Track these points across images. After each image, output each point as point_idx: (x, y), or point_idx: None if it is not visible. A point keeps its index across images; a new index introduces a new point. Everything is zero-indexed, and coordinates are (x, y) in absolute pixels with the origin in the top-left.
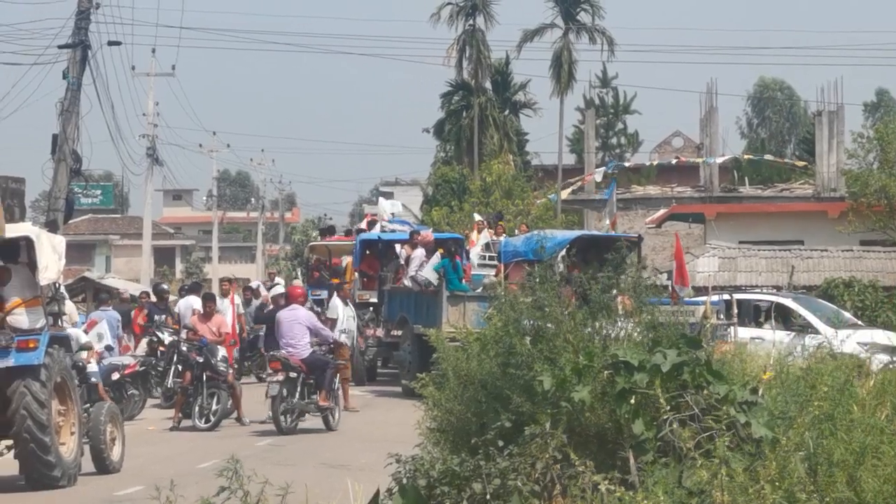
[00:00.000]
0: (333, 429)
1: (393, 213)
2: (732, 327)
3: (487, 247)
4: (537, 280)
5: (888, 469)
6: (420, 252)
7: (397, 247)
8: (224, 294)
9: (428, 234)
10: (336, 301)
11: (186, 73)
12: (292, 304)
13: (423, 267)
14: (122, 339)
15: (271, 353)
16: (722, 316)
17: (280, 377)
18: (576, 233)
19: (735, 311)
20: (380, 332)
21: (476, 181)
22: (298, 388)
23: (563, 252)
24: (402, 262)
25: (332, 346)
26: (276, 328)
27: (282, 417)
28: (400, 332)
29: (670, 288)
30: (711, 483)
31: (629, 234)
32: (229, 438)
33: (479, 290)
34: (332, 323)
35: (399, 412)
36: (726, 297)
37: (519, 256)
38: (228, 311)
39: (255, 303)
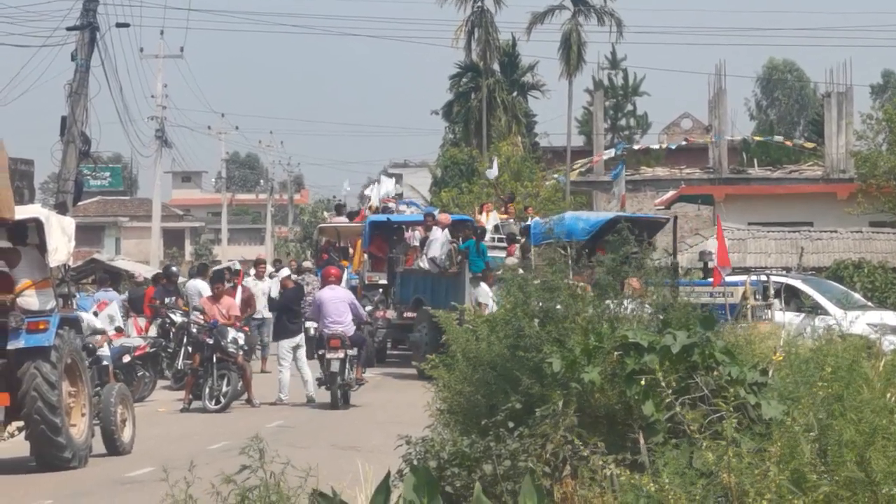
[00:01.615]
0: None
1: (393, 197)
2: (770, 308)
3: (497, 228)
4: (565, 261)
5: None
6: (440, 234)
7: (411, 229)
8: (259, 276)
9: (446, 216)
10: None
11: (195, 55)
12: (330, 284)
13: (443, 249)
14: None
15: (329, 331)
16: (759, 297)
17: (340, 354)
18: (611, 214)
19: (772, 292)
20: (390, 313)
21: (484, 163)
22: (348, 364)
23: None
24: (417, 243)
25: (366, 323)
26: (316, 307)
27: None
28: (414, 314)
29: (701, 268)
30: (718, 464)
31: (660, 216)
32: (239, 420)
33: (500, 272)
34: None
35: (409, 394)
36: (763, 278)
37: (549, 238)
38: (263, 288)
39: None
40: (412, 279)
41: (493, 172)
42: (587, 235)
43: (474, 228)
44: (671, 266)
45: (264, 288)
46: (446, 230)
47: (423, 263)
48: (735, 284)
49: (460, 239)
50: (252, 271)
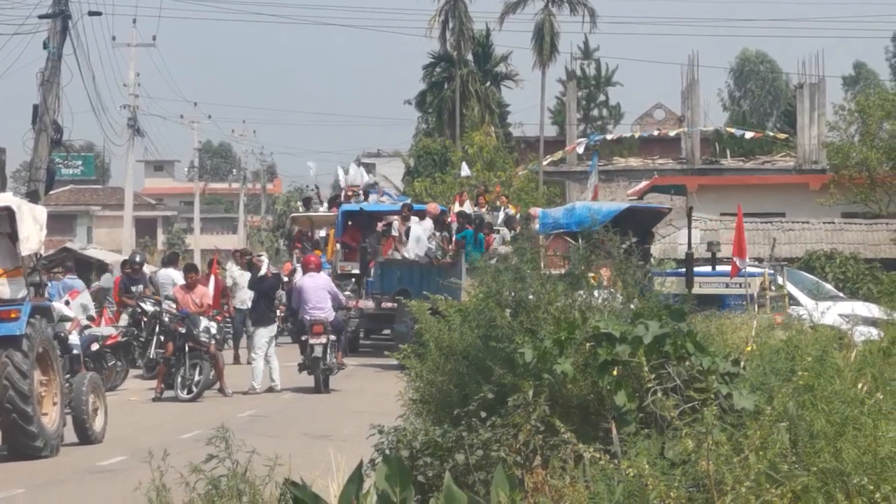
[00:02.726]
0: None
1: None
2: (785, 299)
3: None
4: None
5: (868, 440)
6: (429, 224)
7: (392, 219)
8: (244, 266)
9: (435, 205)
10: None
11: (168, 44)
12: (310, 272)
13: (432, 239)
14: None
15: (309, 317)
16: (774, 287)
17: (323, 339)
18: (624, 205)
19: (785, 282)
20: (363, 303)
21: (458, 153)
22: (330, 349)
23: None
24: (395, 233)
25: (344, 308)
26: (297, 294)
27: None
28: (393, 305)
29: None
30: (697, 452)
31: (661, 206)
32: (211, 409)
33: (495, 261)
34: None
35: (382, 383)
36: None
37: (559, 228)
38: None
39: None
40: (395, 269)
41: (465, 171)
42: (598, 226)
43: (469, 218)
44: (686, 256)
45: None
46: (432, 221)
47: (408, 253)
48: (753, 275)
49: (452, 229)
50: (229, 262)
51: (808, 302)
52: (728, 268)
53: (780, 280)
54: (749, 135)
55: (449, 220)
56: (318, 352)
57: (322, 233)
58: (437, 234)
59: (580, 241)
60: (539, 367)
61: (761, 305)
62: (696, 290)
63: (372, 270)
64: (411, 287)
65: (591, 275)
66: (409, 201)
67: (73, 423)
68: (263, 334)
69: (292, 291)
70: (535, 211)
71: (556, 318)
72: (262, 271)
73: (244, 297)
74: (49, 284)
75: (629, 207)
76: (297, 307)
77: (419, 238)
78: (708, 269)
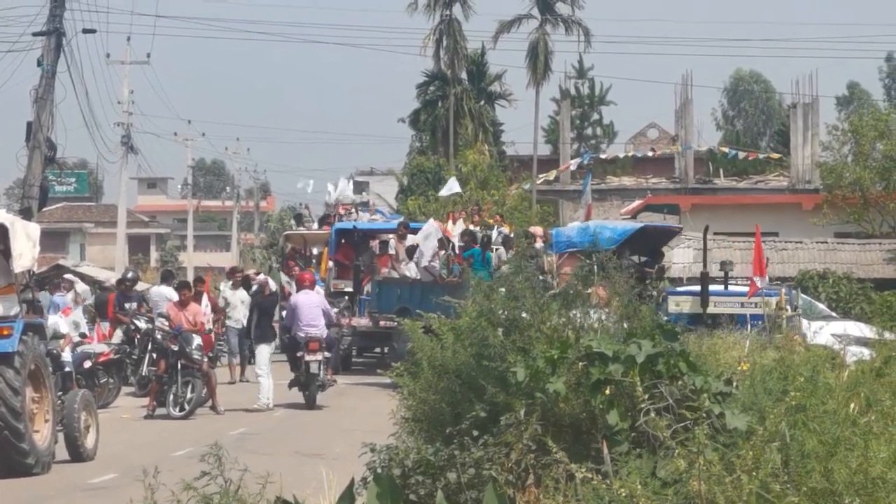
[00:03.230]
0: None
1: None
2: (799, 318)
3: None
4: (594, 272)
5: (859, 460)
6: (433, 243)
7: (388, 237)
8: (235, 285)
9: (440, 224)
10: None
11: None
12: (305, 289)
13: (436, 258)
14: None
15: (303, 334)
16: (788, 307)
17: (319, 357)
18: (638, 224)
19: (799, 303)
20: (356, 321)
21: (451, 171)
22: (323, 366)
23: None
24: (392, 252)
25: (336, 325)
26: (291, 312)
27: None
28: (391, 324)
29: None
30: (689, 472)
31: (673, 226)
32: (203, 427)
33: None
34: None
35: (374, 402)
36: (789, 288)
37: (573, 247)
38: (241, 297)
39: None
40: (395, 288)
41: (450, 189)
42: (614, 244)
43: (475, 236)
44: (702, 276)
45: (242, 296)
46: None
47: (408, 272)
48: (771, 295)
49: (453, 247)
50: (222, 282)
51: (802, 322)
52: (741, 288)
53: (796, 300)
54: (742, 154)
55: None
56: (314, 368)
57: (315, 250)
58: (442, 252)
59: (594, 259)
60: (531, 385)
61: (777, 325)
62: (711, 309)
63: (367, 288)
64: (411, 305)
65: (589, 291)
66: (403, 220)
67: (64, 440)
68: (266, 351)
69: (286, 308)
70: (537, 230)
71: (549, 336)
72: (270, 288)
73: (238, 316)
74: (51, 296)
75: (644, 227)
76: (290, 324)
77: (422, 256)
78: (719, 288)
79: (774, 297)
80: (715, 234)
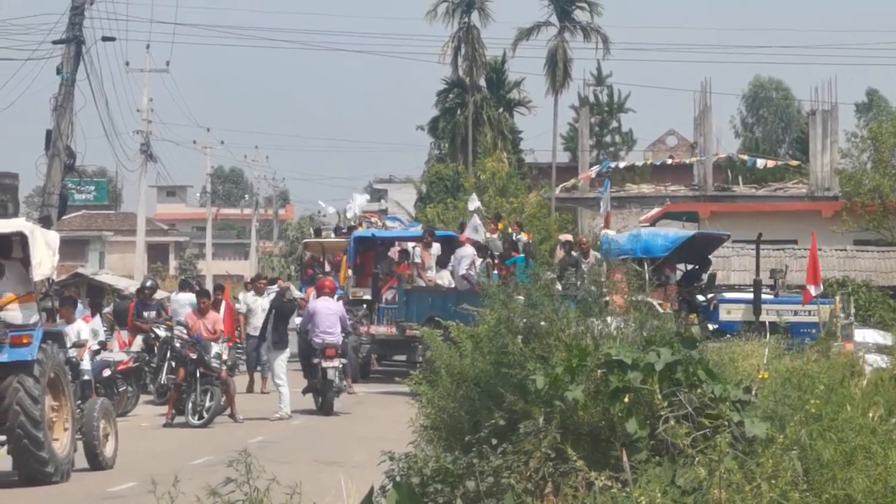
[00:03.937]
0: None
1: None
2: (852, 326)
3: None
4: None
5: (878, 469)
6: (470, 251)
7: (409, 245)
8: (258, 291)
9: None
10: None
11: (181, 70)
12: (324, 296)
13: (473, 266)
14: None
15: (320, 340)
16: (842, 314)
17: (336, 363)
18: (690, 232)
19: (852, 311)
20: (374, 328)
21: (470, 179)
22: (339, 373)
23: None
24: (418, 260)
25: (354, 334)
26: (308, 317)
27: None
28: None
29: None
30: (709, 480)
31: (722, 233)
32: (222, 435)
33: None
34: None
35: (392, 410)
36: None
37: (624, 254)
38: (263, 304)
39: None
40: (426, 296)
41: (474, 204)
42: (665, 252)
43: (516, 245)
44: (754, 283)
45: (264, 304)
46: (472, 248)
47: (440, 280)
48: (825, 303)
49: (492, 255)
50: (241, 292)
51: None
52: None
53: (850, 308)
54: (761, 162)
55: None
56: (331, 375)
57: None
58: (480, 260)
59: (645, 266)
60: (550, 393)
61: (831, 334)
62: (763, 317)
63: (385, 296)
64: (444, 314)
65: (658, 302)
66: (428, 227)
67: (83, 448)
68: (282, 360)
69: (303, 314)
70: (567, 237)
71: (568, 344)
72: (291, 294)
73: (257, 324)
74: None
75: (697, 234)
76: (305, 330)
77: (460, 264)
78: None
79: (829, 305)
80: (734, 241)
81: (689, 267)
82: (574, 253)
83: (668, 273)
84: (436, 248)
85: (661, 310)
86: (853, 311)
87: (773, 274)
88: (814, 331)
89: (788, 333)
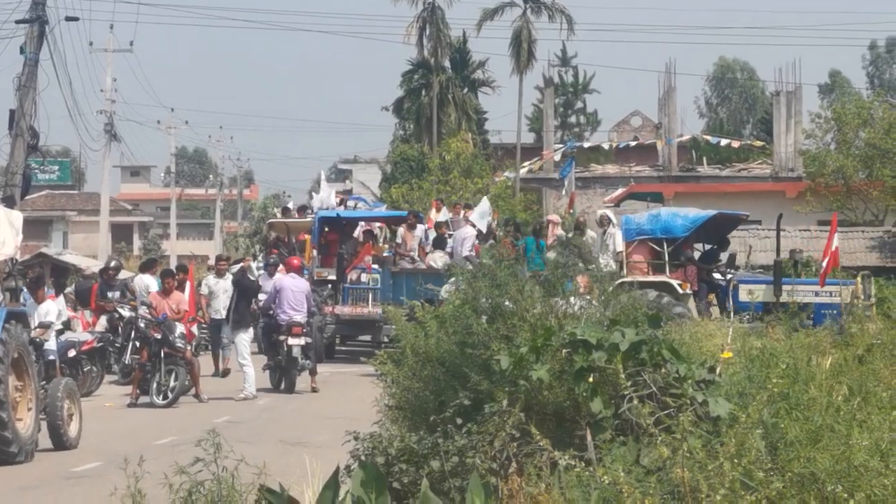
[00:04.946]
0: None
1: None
2: (873, 307)
3: (447, 225)
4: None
5: (842, 448)
6: (472, 231)
7: (375, 226)
8: (219, 273)
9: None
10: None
11: (144, 50)
12: (292, 273)
13: (474, 248)
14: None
15: (287, 317)
16: (862, 296)
17: (301, 341)
18: (711, 212)
19: (873, 291)
20: (339, 309)
21: (435, 159)
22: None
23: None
24: (399, 241)
25: (316, 314)
26: (274, 293)
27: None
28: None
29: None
30: (672, 459)
31: (741, 213)
32: (187, 415)
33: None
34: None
35: (357, 390)
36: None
37: (644, 234)
38: (225, 286)
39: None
40: (415, 278)
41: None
42: (686, 232)
43: (518, 226)
44: (775, 264)
45: (226, 286)
46: (472, 228)
47: (434, 262)
48: (846, 284)
49: (495, 237)
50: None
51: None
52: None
53: (871, 289)
54: (725, 142)
55: (427, 227)
56: (296, 352)
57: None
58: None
59: (664, 246)
60: (515, 373)
61: (851, 314)
62: (784, 298)
63: (350, 276)
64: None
65: (678, 282)
66: (413, 210)
67: (47, 428)
68: (245, 339)
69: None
70: (555, 217)
71: (533, 324)
72: (252, 273)
73: (219, 307)
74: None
75: (717, 214)
76: (269, 305)
77: (463, 245)
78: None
79: (850, 286)
80: None
81: (707, 247)
82: (591, 232)
83: (688, 253)
84: (419, 229)
85: (680, 290)
86: (874, 292)
87: (792, 254)
88: (835, 312)
89: (811, 315)
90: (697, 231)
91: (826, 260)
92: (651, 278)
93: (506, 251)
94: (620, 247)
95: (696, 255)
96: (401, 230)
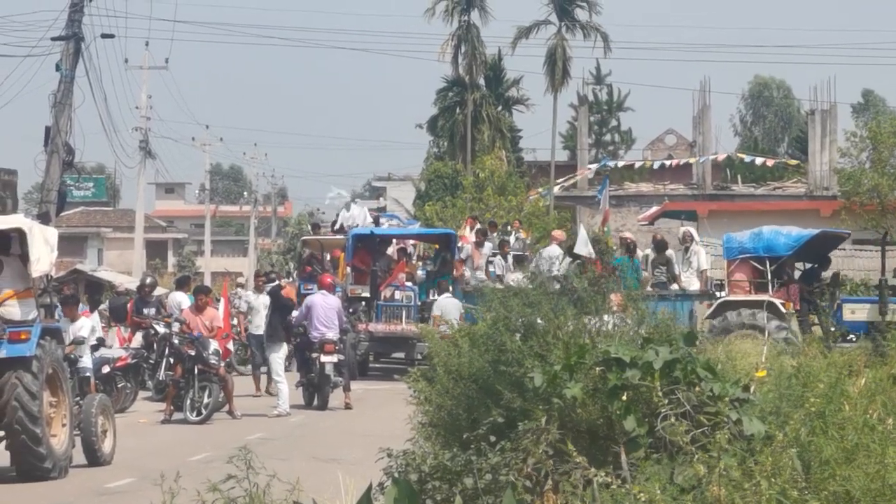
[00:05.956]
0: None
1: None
2: None
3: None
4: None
5: (876, 467)
6: (558, 251)
7: (409, 244)
8: (258, 289)
9: (561, 232)
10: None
11: (179, 67)
12: (323, 291)
13: (562, 264)
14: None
15: (318, 334)
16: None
17: (334, 358)
18: (816, 230)
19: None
20: (372, 326)
21: (469, 177)
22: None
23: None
24: (463, 257)
25: (352, 331)
26: (306, 311)
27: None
28: None
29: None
30: (708, 477)
31: (843, 231)
32: (220, 432)
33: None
34: None
35: (390, 407)
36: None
37: (746, 253)
38: (264, 301)
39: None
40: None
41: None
42: (789, 251)
43: (629, 244)
44: (880, 283)
45: (265, 301)
46: (558, 247)
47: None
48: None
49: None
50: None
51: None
52: None
53: None
54: (760, 161)
55: (460, 243)
56: (328, 369)
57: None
58: (567, 260)
59: (767, 265)
60: (549, 391)
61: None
62: (889, 317)
63: (384, 293)
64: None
65: (780, 302)
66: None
67: (81, 444)
68: (279, 356)
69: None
70: (627, 235)
71: (566, 342)
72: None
73: (259, 322)
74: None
75: (820, 232)
76: (301, 323)
77: (550, 265)
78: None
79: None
80: None
81: (808, 266)
82: (670, 252)
83: (789, 272)
84: (487, 247)
85: (783, 309)
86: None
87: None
88: None
89: None
90: (799, 250)
91: None
92: (753, 297)
93: (593, 271)
94: (705, 265)
95: (797, 273)
96: (468, 247)
